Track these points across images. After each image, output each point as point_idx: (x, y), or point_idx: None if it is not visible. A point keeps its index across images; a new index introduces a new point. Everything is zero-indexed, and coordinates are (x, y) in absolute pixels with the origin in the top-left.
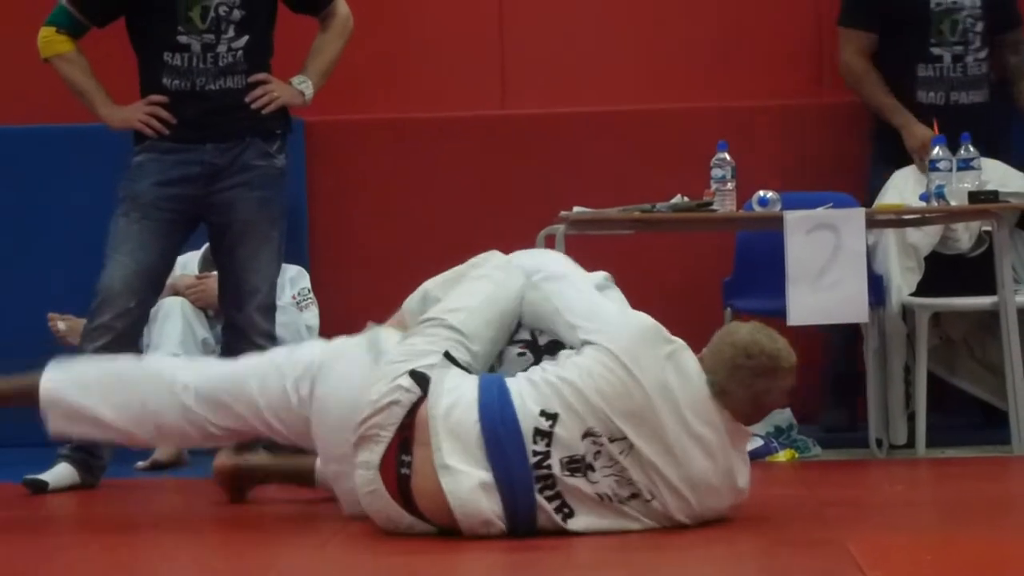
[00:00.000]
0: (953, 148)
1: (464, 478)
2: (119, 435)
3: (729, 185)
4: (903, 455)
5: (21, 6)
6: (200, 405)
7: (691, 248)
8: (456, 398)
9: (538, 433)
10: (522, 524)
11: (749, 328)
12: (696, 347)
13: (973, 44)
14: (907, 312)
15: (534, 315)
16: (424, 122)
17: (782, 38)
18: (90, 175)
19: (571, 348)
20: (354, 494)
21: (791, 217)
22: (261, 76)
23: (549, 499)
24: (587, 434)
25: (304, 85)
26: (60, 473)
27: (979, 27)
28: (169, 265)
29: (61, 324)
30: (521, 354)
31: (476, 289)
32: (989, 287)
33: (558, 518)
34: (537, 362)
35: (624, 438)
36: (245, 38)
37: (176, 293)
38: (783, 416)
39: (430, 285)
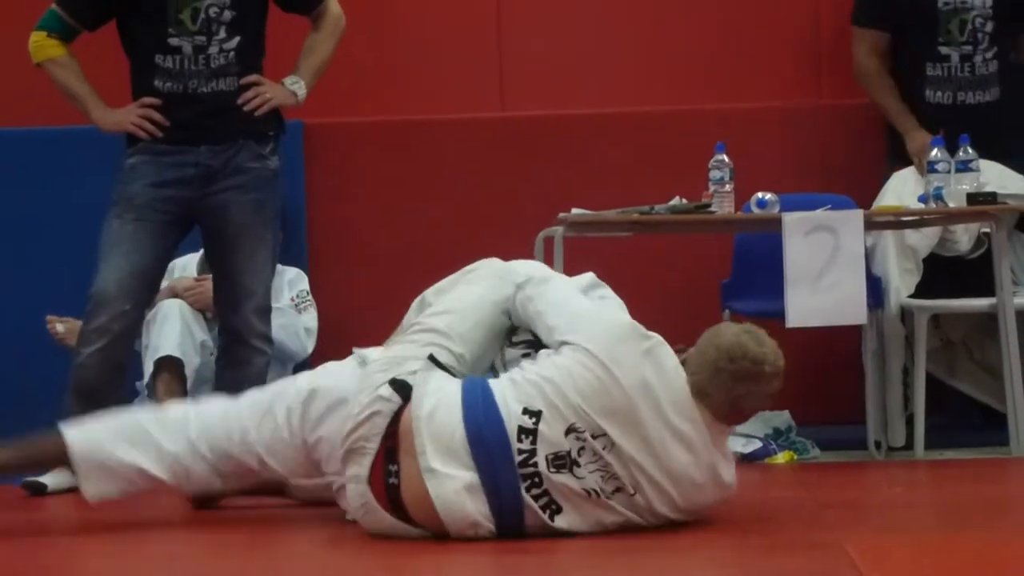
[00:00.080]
0: (952, 150)
1: (449, 481)
2: (156, 484)
3: (727, 187)
4: (902, 457)
5: (21, 8)
6: (213, 454)
7: (689, 250)
8: (439, 400)
9: (522, 431)
10: (509, 524)
11: (737, 330)
12: None
13: (982, 44)
14: (905, 314)
15: (518, 319)
16: (423, 124)
17: (780, 40)
18: (90, 177)
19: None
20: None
21: (789, 219)
22: (253, 78)
23: (536, 497)
24: (570, 430)
25: (296, 86)
26: (59, 476)
27: (989, 27)
28: (163, 267)
29: (60, 326)
30: (526, 354)
31: (465, 293)
32: (988, 289)
33: (545, 516)
34: None
35: (605, 434)
36: (236, 39)
37: (175, 295)
38: (782, 418)
39: (426, 293)
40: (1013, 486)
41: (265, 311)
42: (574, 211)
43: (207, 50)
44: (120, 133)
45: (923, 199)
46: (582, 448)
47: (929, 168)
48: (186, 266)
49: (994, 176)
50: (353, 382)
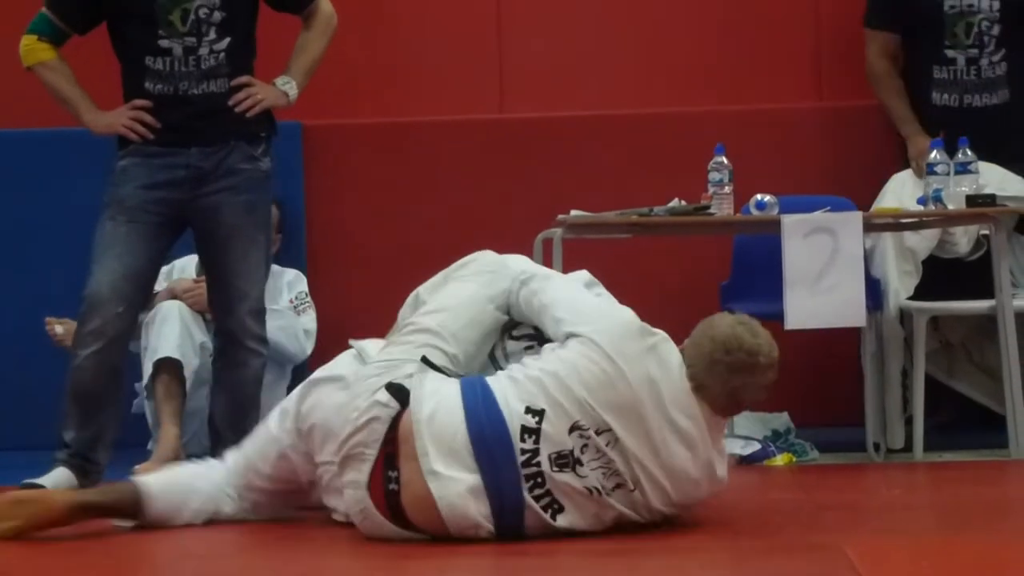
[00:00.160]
0: (952, 152)
1: (452, 483)
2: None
3: (726, 189)
4: (901, 459)
5: (19, 10)
6: (235, 491)
7: (688, 252)
8: (438, 402)
9: (525, 431)
10: (509, 525)
11: (731, 321)
12: None
13: (988, 47)
14: (905, 316)
15: (521, 313)
16: (422, 126)
17: (780, 41)
18: (88, 179)
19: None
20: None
21: (788, 221)
22: (244, 79)
23: (538, 498)
24: (574, 428)
25: (288, 86)
26: (58, 477)
27: (995, 30)
28: (156, 269)
29: (58, 328)
30: (529, 347)
31: (459, 290)
32: (987, 291)
33: (547, 516)
34: None
35: (609, 430)
36: (227, 40)
37: (174, 296)
38: (781, 420)
39: (420, 289)
40: (1012, 488)
41: (260, 312)
42: (573, 213)
43: (197, 51)
44: (111, 135)
45: (922, 201)
46: (585, 446)
47: (928, 170)
48: (185, 267)
49: (995, 179)
50: (350, 368)
